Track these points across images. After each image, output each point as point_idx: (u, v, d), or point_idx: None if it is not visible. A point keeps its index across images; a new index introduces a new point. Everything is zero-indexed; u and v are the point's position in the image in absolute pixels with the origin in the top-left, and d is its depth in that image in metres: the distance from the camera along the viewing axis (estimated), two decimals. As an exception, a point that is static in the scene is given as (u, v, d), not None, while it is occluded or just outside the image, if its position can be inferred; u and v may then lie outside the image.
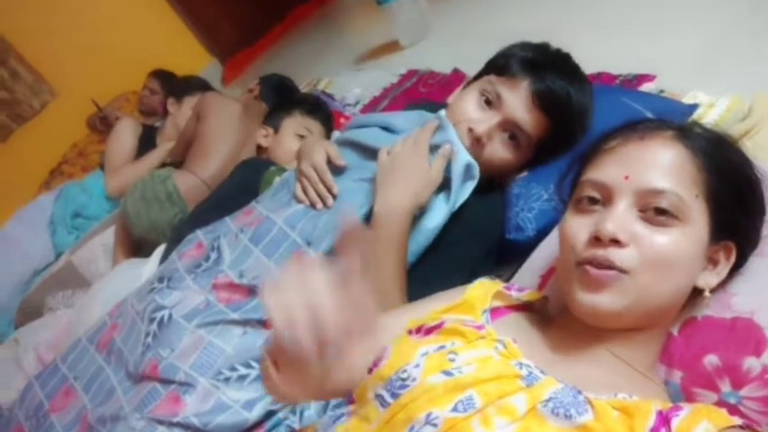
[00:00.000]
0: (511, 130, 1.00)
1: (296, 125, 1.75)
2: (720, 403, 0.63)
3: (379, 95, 2.22)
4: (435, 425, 0.55)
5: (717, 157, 0.65)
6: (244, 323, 1.01)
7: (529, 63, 0.99)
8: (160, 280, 1.13)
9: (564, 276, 0.68)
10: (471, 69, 1.91)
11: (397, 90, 2.17)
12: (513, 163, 1.04)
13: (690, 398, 0.65)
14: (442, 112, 1.06)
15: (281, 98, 1.98)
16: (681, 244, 0.61)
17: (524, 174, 1.07)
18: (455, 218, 1.00)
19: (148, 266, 1.55)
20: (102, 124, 3.09)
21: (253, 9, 4.23)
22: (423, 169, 0.96)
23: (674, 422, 0.52)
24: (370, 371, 0.67)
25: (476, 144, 1.01)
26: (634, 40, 1.64)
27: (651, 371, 0.66)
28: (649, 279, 0.61)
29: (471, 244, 1.01)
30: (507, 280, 1.00)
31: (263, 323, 1.01)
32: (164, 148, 2.28)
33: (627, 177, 0.63)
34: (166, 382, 0.98)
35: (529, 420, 0.54)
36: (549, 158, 1.03)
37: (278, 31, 4.28)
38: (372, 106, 2.17)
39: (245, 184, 1.54)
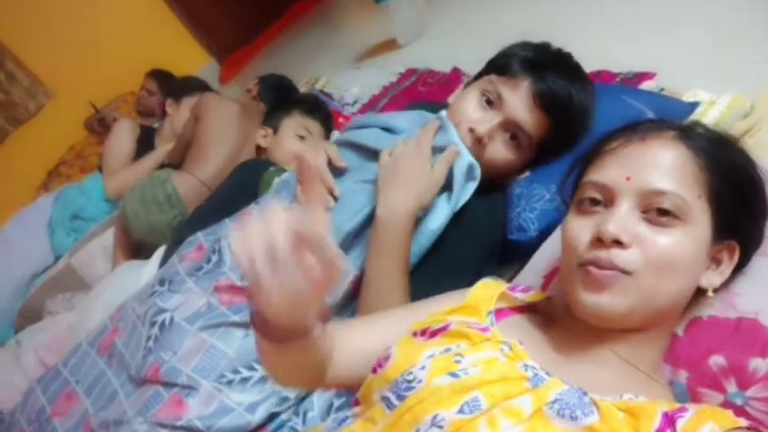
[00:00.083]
0: (512, 130, 1.00)
1: (295, 125, 1.75)
2: (727, 404, 0.63)
3: (377, 94, 2.21)
4: (441, 426, 0.55)
5: (719, 157, 0.65)
6: (246, 325, 1.01)
7: (530, 63, 0.98)
8: (161, 283, 1.12)
9: (566, 277, 0.67)
10: (470, 68, 1.93)
11: (395, 89, 2.16)
12: (515, 163, 1.04)
13: (696, 398, 0.65)
14: (443, 113, 1.05)
15: (280, 98, 1.97)
16: (683, 244, 0.61)
17: (526, 174, 1.07)
18: (456, 219, 1.00)
19: (148, 268, 1.55)
20: (99, 126, 3.08)
21: (250, 7, 4.22)
22: (425, 171, 0.95)
23: (680, 423, 0.52)
24: (374, 371, 0.68)
25: (477, 144, 1.01)
26: (634, 37, 1.63)
27: (655, 371, 0.66)
28: (653, 280, 0.60)
29: (473, 245, 1.01)
30: (509, 280, 1.00)
31: (265, 325, 1.01)
32: (162, 149, 2.28)
33: (628, 178, 0.63)
34: (169, 385, 0.98)
35: (535, 422, 0.55)
36: (550, 158, 1.03)
37: (275, 30, 4.27)
38: (371, 105, 2.17)
39: (244, 185, 1.53)
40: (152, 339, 1.04)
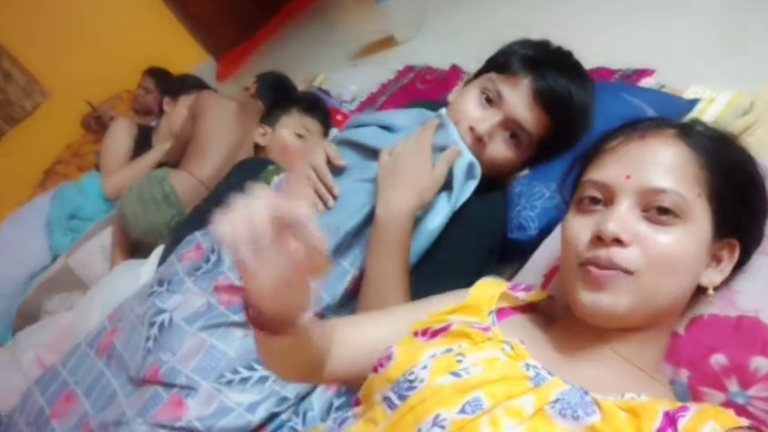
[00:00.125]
0: (512, 128, 1.00)
1: (294, 124, 1.74)
2: (728, 403, 0.63)
3: (376, 92, 2.21)
4: (443, 426, 0.55)
5: (719, 155, 0.65)
6: (245, 325, 1.00)
7: (530, 61, 0.98)
8: (160, 283, 1.12)
9: (566, 276, 0.67)
10: (468, 65, 1.93)
11: (394, 86, 2.16)
12: (515, 161, 1.03)
13: (697, 397, 0.65)
14: (443, 111, 1.05)
15: (279, 96, 1.96)
16: (684, 243, 0.61)
17: (526, 172, 1.06)
18: (456, 217, 0.99)
19: (147, 267, 1.54)
20: (96, 124, 3.07)
21: (247, 5, 4.21)
22: (425, 170, 0.95)
23: (681, 422, 0.52)
24: (375, 370, 0.68)
25: (477, 143, 1.00)
26: (633, 33, 1.63)
27: (656, 371, 0.66)
28: (653, 279, 0.60)
29: (473, 243, 1.01)
30: (510, 278, 1.00)
31: (264, 325, 1.01)
32: (160, 148, 2.27)
33: (628, 177, 0.63)
34: (168, 385, 0.98)
35: (537, 421, 0.55)
36: (550, 157, 1.03)
37: (272, 27, 4.26)
38: (370, 103, 2.16)
39: (242, 184, 1.52)
40: (151, 340, 1.03)
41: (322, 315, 1.02)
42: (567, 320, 0.71)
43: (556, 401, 0.55)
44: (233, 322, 1.01)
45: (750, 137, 0.92)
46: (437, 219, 0.97)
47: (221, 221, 0.47)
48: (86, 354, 1.15)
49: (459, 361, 0.61)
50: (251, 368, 0.98)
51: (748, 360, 0.62)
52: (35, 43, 3.37)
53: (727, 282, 0.67)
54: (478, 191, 1.01)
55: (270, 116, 1.79)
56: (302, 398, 1.00)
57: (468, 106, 1.02)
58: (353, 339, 0.74)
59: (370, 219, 0.99)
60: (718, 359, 0.65)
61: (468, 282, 0.89)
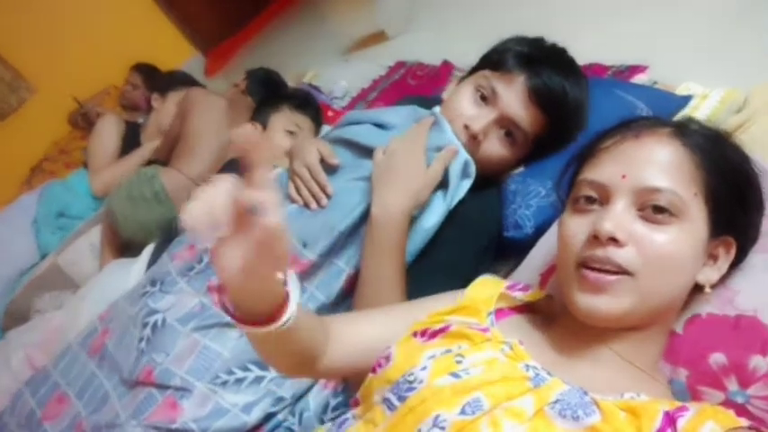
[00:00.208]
0: (507, 126, 0.99)
1: (285, 121, 1.73)
2: (728, 402, 0.63)
3: (367, 88, 2.20)
4: (443, 428, 0.55)
5: (714, 153, 0.65)
6: (240, 325, 0.99)
7: (524, 58, 0.97)
8: (152, 283, 1.11)
9: (563, 277, 0.68)
10: (460, 60, 1.93)
11: (385, 82, 2.15)
12: (510, 159, 1.03)
13: (696, 396, 0.65)
14: (437, 109, 1.04)
15: (269, 93, 1.95)
16: (680, 242, 0.61)
17: (520, 170, 1.06)
18: (452, 216, 0.99)
19: (137, 266, 1.53)
20: (83, 121, 3.04)
21: (234, -2, 4.17)
22: (420, 169, 0.95)
23: (680, 422, 0.52)
24: (373, 370, 0.68)
25: (472, 141, 1.00)
26: (626, 29, 1.63)
27: (654, 370, 0.66)
28: (651, 278, 0.61)
29: (469, 242, 1.00)
30: (505, 276, 1.00)
31: (259, 325, 1.00)
32: (148, 146, 2.24)
33: (624, 176, 0.63)
34: (162, 387, 0.97)
35: (537, 422, 0.55)
36: (545, 154, 1.03)
37: (261, 21, 4.23)
38: (361, 99, 2.15)
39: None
40: (144, 341, 1.02)
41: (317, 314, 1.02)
42: (565, 320, 0.71)
43: (556, 402, 0.55)
44: (227, 323, 1.00)
45: (744, 134, 0.92)
46: (433, 217, 0.97)
47: (184, 209, 0.47)
48: (78, 355, 1.14)
49: (459, 362, 0.61)
50: (246, 369, 0.97)
51: (747, 359, 0.63)
52: (21, 39, 3.33)
53: (724, 280, 0.68)
54: (473, 189, 1.01)
55: (260, 113, 1.77)
56: (298, 398, 0.99)
57: (463, 104, 1.01)
58: (349, 336, 0.74)
59: (364, 218, 0.99)
60: (717, 358, 0.65)
61: (464, 280, 0.89)
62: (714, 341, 0.66)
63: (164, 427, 0.93)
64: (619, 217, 0.61)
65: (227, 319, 0.97)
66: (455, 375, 0.59)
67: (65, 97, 2.99)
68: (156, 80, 2.69)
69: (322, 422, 0.97)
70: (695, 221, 0.62)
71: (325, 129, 1.87)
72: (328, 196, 1.04)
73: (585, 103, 1.00)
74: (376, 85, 2.18)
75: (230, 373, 0.97)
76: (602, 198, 0.65)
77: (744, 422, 0.54)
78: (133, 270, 1.48)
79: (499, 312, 0.74)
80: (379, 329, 0.74)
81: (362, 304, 0.93)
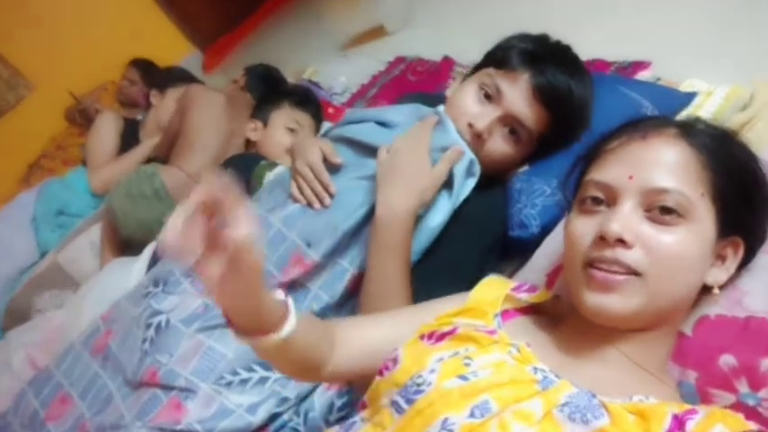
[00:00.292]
0: (511, 124, 0.99)
1: (285, 118, 1.72)
2: (739, 404, 0.63)
3: (367, 84, 2.18)
4: (451, 431, 0.55)
5: (721, 154, 0.65)
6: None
7: (529, 56, 0.97)
8: (155, 284, 1.10)
9: (571, 277, 0.67)
10: (460, 55, 1.92)
11: (385, 78, 2.14)
12: (514, 158, 1.02)
13: (706, 399, 0.65)
14: (441, 108, 1.04)
15: (268, 89, 1.94)
16: (688, 243, 0.61)
17: (525, 168, 1.06)
18: (456, 215, 0.99)
19: (139, 265, 1.52)
20: (81, 117, 3.03)
21: (232, -7, 4.15)
22: (425, 168, 0.94)
23: (689, 425, 0.52)
24: (380, 373, 0.68)
25: (476, 139, 0.99)
26: (628, 24, 1.61)
27: (662, 372, 0.66)
28: (659, 279, 0.60)
29: (474, 241, 1.00)
30: (511, 275, 1.00)
31: (263, 325, 1.00)
32: (148, 143, 2.23)
33: (631, 177, 0.63)
34: (167, 388, 0.97)
35: (545, 425, 0.55)
36: (550, 152, 1.02)
37: (259, 17, 4.20)
38: (361, 95, 2.14)
39: (234, 180, 1.50)
40: (148, 342, 1.02)
41: (322, 315, 1.01)
42: (572, 320, 0.71)
43: (564, 405, 0.55)
44: (231, 323, 1.00)
45: (750, 132, 0.92)
46: (438, 217, 0.96)
47: (160, 237, 0.47)
48: (81, 355, 1.14)
49: (467, 364, 0.61)
50: (250, 369, 0.97)
51: (758, 361, 0.62)
52: (18, 36, 3.30)
53: (733, 281, 0.68)
54: (478, 188, 1.00)
55: (261, 110, 1.77)
56: (303, 398, 0.99)
57: (467, 102, 1.01)
58: (355, 340, 0.74)
59: (368, 217, 0.98)
60: (727, 360, 0.65)
61: (469, 279, 0.89)
62: (724, 343, 0.65)
63: (168, 429, 0.93)
64: (626, 218, 0.61)
65: (231, 319, 0.99)
66: (463, 378, 0.59)
67: (63, 94, 2.97)
68: (154, 76, 2.67)
69: (327, 422, 0.97)
70: (703, 222, 0.62)
71: (326, 125, 1.86)
72: (331, 196, 1.03)
73: (590, 100, 0.99)
74: (376, 80, 2.17)
75: (235, 373, 0.97)
76: (609, 199, 0.65)
77: (753, 426, 0.54)
78: (134, 269, 1.47)
79: (505, 314, 0.74)
80: (385, 333, 0.74)
81: (368, 304, 0.93)
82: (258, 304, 0.57)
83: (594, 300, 0.62)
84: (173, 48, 3.93)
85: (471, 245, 0.99)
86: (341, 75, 2.30)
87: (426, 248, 0.98)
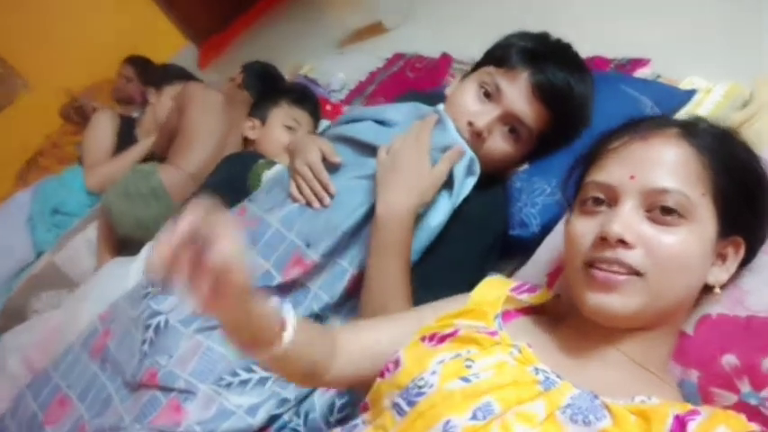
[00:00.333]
0: (511, 123, 0.98)
1: (283, 116, 1.71)
2: (741, 404, 0.63)
3: (365, 80, 2.17)
4: None
5: (722, 153, 0.65)
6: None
7: (529, 54, 0.96)
8: (154, 284, 1.10)
9: (572, 277, 0.67)
10: (459, 52, 1.91)
11: (383, 74, 2.13)
12: (514, 156, 1.02)
13: (708, 398, 0.65)
14: (441, 107, 1.03)
15: (266, 87, 1.92)
16: (689, 243, 0.61)
17: (525, 166, 1.05)
18: (457, 214, 0.98)
19: (136, 265, 1.51)
20: (76, 114, 3.01)
21: (227, -11, 4.12)
22: (425, 168, 0.93)
23: (691, 426, 0.52)
24: (381, 375, 0.68)
25: (476, 138, 0.99)
26: (627, 21, 1.60)
27: (664, 371, 0.66)
28: (660, 279, 0.60)
29: (475, 239, 1.00)
30: (510, 274, 1.00)
31: (263, 325, 0.99)
32: (145, 142, 2.22)
33: (632, 177, 0.63)
34: (166, 390, 0.96)
35: (548, 426, 0.55)
36: (550, 151, 1.02)
37: (255, 12, 4.17)
38: (359, 92, 2.13)
39: (231, 178, 1.50)
40: (147, 343, 1.01)
41: (321, 315, 1.01)
42: (573, 320, 0.71)
43: (567, 406, 0.55)
44: (230, 324, 0.99)
45: (749, 130, 0.92)
46: (438, 216, 0.96)
47: (147, 262, 0.48)
48: (79, 357, 1.13)
49: (469, 366, 0.61)
50: (250, 370, 0.97)
51: (760, 361, 0.62)
52: (13, 35, 3.28)
53: (734, 280, 0.68)
54: (478, 186, 1.00)
55: (259, 109, 1.76)
56: (303, 399, 0.99)
57: (467, 101, 1.00)
58: (357, 345, 0.74)
59: (367, 217, 0.98)
60: (729, 360, 0.65)
61: (469, 278, 0.89)
62: (725, 342, 0.65)
63: (168, 431, 0.92)
64: (627, 219, 0.61)
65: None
66: (465, 380, 0.59)
67: (58, 91, 2.95)
68: (150, 73, 2.67)
69: (327, 423, 0.96)
70: (703, 222, 0.62)
71: (324, 123, 1.85)
72: (331, 195, 1.03)
73: (590, 99, 0.99)
74: (374, 77, 2.16)
75: (234, 374, 0.96)
76: (610, 199, 0.65)
77: (756, 427, 0.54)
78: (132, 269, 1.46)
79: (506, 314, 0.74)
80: (387, 337, 0.74)
81: (369, 303, 0.93)
82: (251, 320, 0.58)
83: (596, 300, 0.62)
84: (168, 44, 3.91)
85: (471, 244, 0.99)
86: (339, 71, 2.29)
87: (426, 248, 0.97)
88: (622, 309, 0.61)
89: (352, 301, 1.00)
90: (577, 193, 0.72)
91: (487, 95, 0.99)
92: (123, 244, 1.83)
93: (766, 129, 0.92)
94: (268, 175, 1.42)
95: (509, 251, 1.04)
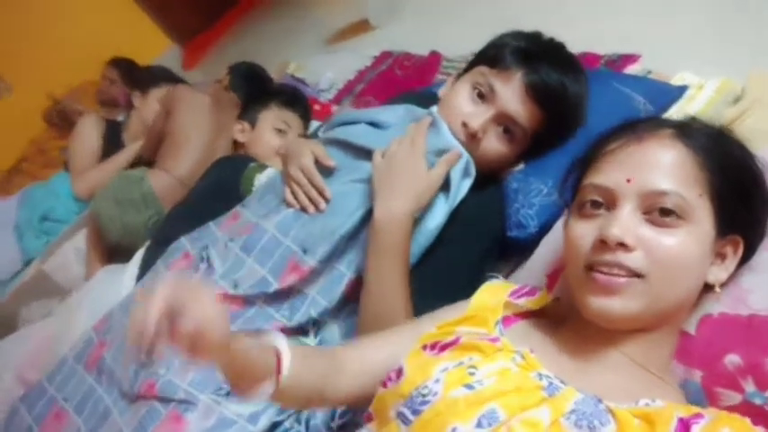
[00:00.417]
0: (505, 123, 0.98)
1: (273, 119, 1.69)
2: (746, 404, 0.63)
3: (353, 79, 2.16)
4: None
5: (718, 153, 0.65)
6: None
7: (522, 54, 0.96)
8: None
9: (573, 281, 0.68)
10: (448, 50, 1.90)
11: (371, 73, 2.12)
12: (508, 156, 1.02)
13: (712, 397, 0.65)
14: (434, 109, 1.03)
15: (253, 88, 1.90)
16: (688, 244, 0.61)
17: (521, 166, 1.05)
18: (453, 216, 0.98)
19: (129, 272, 1.50)
20: (59, 118, 2.96)
21: (210, -12, 4.07)
22: (421, 171, 0.93)
23: (695, 429, 0.53)
24: (384, 384, 0.67)
25: (470, 139, 0.99)
26: (617, 17, 1.60)
27: (666, 372, 0.66)
28: (661, 281, 0.61)
29: (472, 241, 1.00)
30: (508, 275, 1.00)
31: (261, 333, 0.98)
32: (133, 147, 2.19)
33: (629, 180, 0.63)
34: (165, 401, 0.95)
35: None
36: (545, 150, 1.02)
37: (239, 11, 4.14)
38: (348, 91, 2.12)
39: (222, 182, 1.49)
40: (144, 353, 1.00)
41: (320, 320, 1.00)
42: (574, 323, 0.71)
43: (571, 413, 0.55)
44: (228, 332, 0.99)
45: (740, 126, 0.92)
46: (436, 218, 0.96)
47: (128, 334, 0.53)
48: (74, 369, 1.12)
49: (472, 373, 0.61)
50: (249, 378, 0.96)
51: (763, 360, 0.63)
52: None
53: (735, 279, 0.68)
54: (473, 187, 1.00)
55: (248, 111, 1.74)
56: (304, 405, 0.98)
57: (460, 102, 1.00)
58: (359, 364, 0.74)
59: (364, 221, 0.97)
60: (733, 359, 0.65)
61: (468, 279, 0.89)
62: (728, 341, 0.66)
63: (169, 442, 0.92)
64: (626, 222, 0.62)
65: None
66: (469, 387, 0.59)
67: (41, 95, 2.91)
68: (134, 75, 2.64)
69: (329, 429, 0.96)
70: (701, 222, 0.62)
71: (313, 124, 1.84)
72: (326, 200, 1.02)
73: (585, 98, 0.99)
74: (362, 76, 2.15)
75: (234, 383, 0.96)
76: (608, 202, 0.65)
77: (760, 430, 0.54)
78: (125, 277, 1.45)
79: (506, 319, 0.74)
80: (390, 351, 0.73)
81: (368, 307, 0.92)
82: (237, 368, 0.60)
83: (598, 303, 0.62)
84: (152, 45, 3.87)
85: (470, 245, 0.99)
86: (326, 70, 2.28)
87: (425, 250, 0.97)
88: (624, 311, 0.61)
89: (350, 306, 1.00)
90: (575, 196, 0.72)
91: (481, 96, 0.99)
92: (113, 251, 1.81)
93: (759, 124, 0.92)
94: (260, 178, 1.41)
95: (507, 252, 1.04)
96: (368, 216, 0.95)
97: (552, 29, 1.02)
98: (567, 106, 0.97)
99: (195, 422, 0.93)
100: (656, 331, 0.65)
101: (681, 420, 0.54)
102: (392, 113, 1.10)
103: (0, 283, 2.09)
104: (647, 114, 1.06)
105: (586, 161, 0.72)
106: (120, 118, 2.51)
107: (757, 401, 0.62)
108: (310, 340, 1.00)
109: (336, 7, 3.03)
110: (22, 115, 3.23)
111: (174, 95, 1.93)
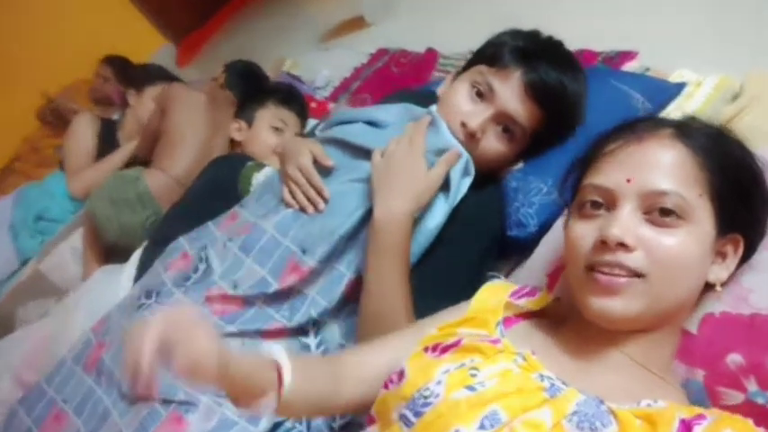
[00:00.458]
0: (504, 122, 0.98)
1: (270, 117, 1.69)
2: (748, 403, 0.64)
3: (349, 77, 2.15)
4: None
5: (717, 153, 0.65)
6: (241, 335, 0.98)
7: (520, 52, 0.96)
8: (147, 295, 1.08)
9: (574, 281, 0.68)
10: (444, 47, 1.89)
11: (368, 70, 2.11)
12: (508, 155, 1.02)
13: (715, 397, 0.65)
14: (433, 108, 1.03)
15: (249, 86, 1.90)
16: (688, 244, 0.61)
17: (520, 165, 1.06)
18: (453, 215, 0.98)
19: (127, 272, 1.49)
20: (53, 116, 2.94)
21: (204, -16, 4.04)
22: (421, 171, 0.93)
23: (697, 431, 0.53)
24: (385, 386, 0.67)
25: (470, 138, 0.99)
26: (614, 14, 1.60)
27: (667, 372, 0.67)
28: (662, 281, 0.61)
29: (472, 240, 1.00)
30: (507, 274, 1.00)
31: (260, 333, 0.98)
32: (128, 146, 2.17)
33: (629, 180, 0.63)
34: (166, 401, 0.95)
35: None
36: (544, 149, 1.02)
37: (233, 7, 4.11)
38: (344, 88, 2.11)
39: (219, 181, 1.48)
40: (143, 355, 1.00)
41: (320, 321, 1.00)
42: (574, 323, 0.71)
43: (573, 414, 0.56)
44: (228, 333, 0.98)
45: (741, 122, 0.93)
46: (436, 218, 0.96)
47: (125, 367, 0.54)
48: (73, 370, 1.11)
49: (474, 375, 0.61)
50: (250, 379, 0.96)
51: (766, 359, 0.63)
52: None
53: (737, 278, 0.69)
54: (473, 186, 1.00)
55: (245, 110, 1.73)
56: (305, 406, 0.98)
57: (459, 101, 1.00)
58: (362, 370, 0.74)
59: (363, 221, 0.97)
60: (735, 358, 0.65)
61: (469, 279, 0.89)
62: (730, 341, 0.66)
63: (171, 443, 0.91)
64: (626, 222, 0.62)
65: (228, 329, 0.98)
66: (471, 389, 0.60)
67: (34, 93, 2.89)
68: (128, 73, 2.62)
69: (331, 429, 0.96)
70: (702, 222, 0.62)
71: (310, 122, 1.83)
72: (325, 200, 1.02)
73: (584, 97, 0.99)
74: (358, 73, 2.14)
75: (234, 384, 0.95)
76: (609, 203, 0.65)
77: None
78: (123, 278, 1.44)
79: (506, 320, 0.74)
80: (392, 356, 0.73)
81: (368, 307, 0.92)
82: (238, 387, 0.61)
83: (599, 304, 0.62)
84: (146, 42, 3.84)
85: (470, 244, 0.99)
86: (322, 68, 2.27)
87: (425, 250, 0.97)
88: (625, 312, 0.61)
89: (350, 306, 1.00)
90: (575, 196, 0.72)
91: (480, 95, 0.99)
92: (110, 251, 1.80)
93: (757, 122, 0.93)
94: (258, 177, 1.41)
95: (507, 251, 1.04)
96: (367, 216, 0.95)
97: (549, 25, 1.02)
98: (566, 105, 0.97)
99: (196, 423, 0.93)
100: (657, 331, 0.65)
101: (683, 422, 0.54)
102: (390, 112, 1.10)
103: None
104: (645, 112, 1.06)
105: (586, 161, 0.72)
106: (115, 116, 2.49)
107: (760, 401, 0.62)
108: (310, 340, 1.00)
109: (330, 4, 3.02)
110: (17, 116, 3.21)
111: (170, 94, 1.92)
